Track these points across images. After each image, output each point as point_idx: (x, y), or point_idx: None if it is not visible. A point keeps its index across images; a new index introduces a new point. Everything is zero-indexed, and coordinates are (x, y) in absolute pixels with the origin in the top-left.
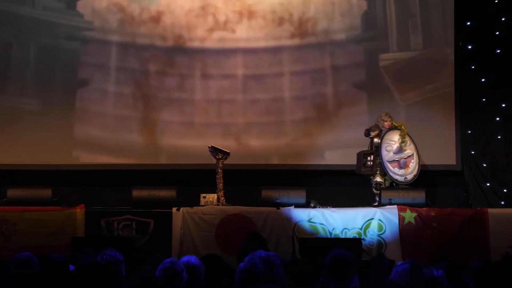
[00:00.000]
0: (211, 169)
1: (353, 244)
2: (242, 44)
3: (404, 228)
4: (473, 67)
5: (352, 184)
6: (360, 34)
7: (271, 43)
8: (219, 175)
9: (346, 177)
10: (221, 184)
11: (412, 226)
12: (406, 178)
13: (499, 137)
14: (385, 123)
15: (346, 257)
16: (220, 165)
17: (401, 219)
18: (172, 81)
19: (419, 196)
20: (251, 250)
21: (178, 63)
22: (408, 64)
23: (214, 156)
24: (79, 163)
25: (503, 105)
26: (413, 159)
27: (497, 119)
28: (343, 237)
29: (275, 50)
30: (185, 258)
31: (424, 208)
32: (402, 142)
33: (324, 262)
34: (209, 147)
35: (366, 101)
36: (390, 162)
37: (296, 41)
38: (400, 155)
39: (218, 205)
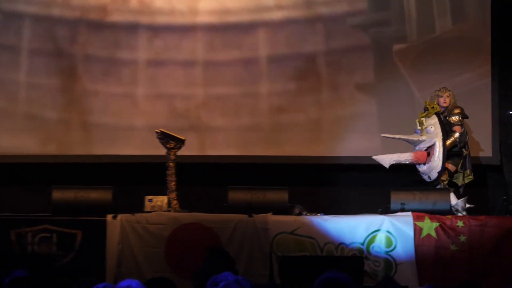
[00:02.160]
0: (159, 163)
1: (352, 264)
2: (204, 19)
3: (421, 243)
4: None
5: (353, 183)
6: (366, 16)
7: (245, 16)
8: (171, 171)
9: (345, 173)
10: (173, 183)
11: (432, 241)
12: (430, 176)
13: None
14: (440, 99)
15: (342, 281)
16: (172, 157)
17: (417, 230)
18: (105, 70)
19: (443, 199)
20: (213, 272)
21: (113, 45)
22: (430, 47)
23: (164, 145)
24: None
25: None
26: (436, 150)
27: None
28: (338, 254)
29: (249, 27)
30: (124, 283)
31: (449, 216)
32: (421, 124)
33: None
34: (157, 132)
35: (375, 102)
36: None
37: (278, 15)
38: (419, 145)
39: (169, 211)
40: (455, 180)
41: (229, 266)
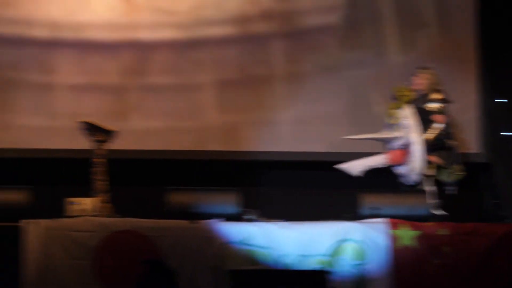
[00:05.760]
0: (85, 158)
1: (315, 280)
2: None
3: (397, 255)
4: None
5: (320, 184)
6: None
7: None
8: (99, 169)
9: (309, 171)
10: (103, 183)
11: (410, 252)
12: (410, 179)
13: None
14: (415, 80)
15: None
16: (101, 151)
17: (393, 240)
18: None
19: (422, 203)
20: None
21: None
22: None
23: (90, 138)
24: None
25: None
26: (414, 147)
27: None
28: (298, 268)
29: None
30: None
31: (431, 223)
32: (392, 118)
33: None
34: (81, 123)
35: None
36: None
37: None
38: (393, 143)
39: (98, 216)
40: (440, 177)
41: (169, 281)
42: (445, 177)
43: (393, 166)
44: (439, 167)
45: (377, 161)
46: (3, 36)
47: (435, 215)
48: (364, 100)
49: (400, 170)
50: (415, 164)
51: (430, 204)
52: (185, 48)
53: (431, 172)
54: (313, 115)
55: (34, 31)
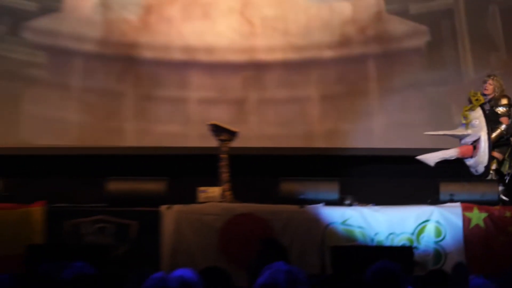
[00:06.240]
0: (212, 154)
1: (402, 254)
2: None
3: (470, 234)
4: None
5: (406, 175)
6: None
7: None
8: (224, 163)
9: (397, 164)
10: (227, 175)
11: (480, 231)
12: (477, 170)
13: None
14: (483, 86)
15: (394, 271)
16: (225, 149)
17: (466, 221)
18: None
19: (491, 190)
20: (267, 262)
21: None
22: None
23: (216, 137)
24: (35, 146)
25: None
26: (481, 144)
27: None
28: (389, 244)
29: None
30: (177, 273)
31: (497, 207)
32: (465, 118)
33: (364, 278)
34: (209, 125)
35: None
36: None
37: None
38: (465, 140)
39: (222, 202)
40: (502, 169)
41: (281, 256)
42: (506, 169)
43: (463, 158)
44: (501, 161)
45: (449, 153)
46: (146, 59)
47: (501, 200)
48: (444, 112)
49: (469, 162)
50: (481, 158)
51: (496, 191)
52: (296, 66)
53: (495, 164)
54: (400, 122)
55: (171, 53)
